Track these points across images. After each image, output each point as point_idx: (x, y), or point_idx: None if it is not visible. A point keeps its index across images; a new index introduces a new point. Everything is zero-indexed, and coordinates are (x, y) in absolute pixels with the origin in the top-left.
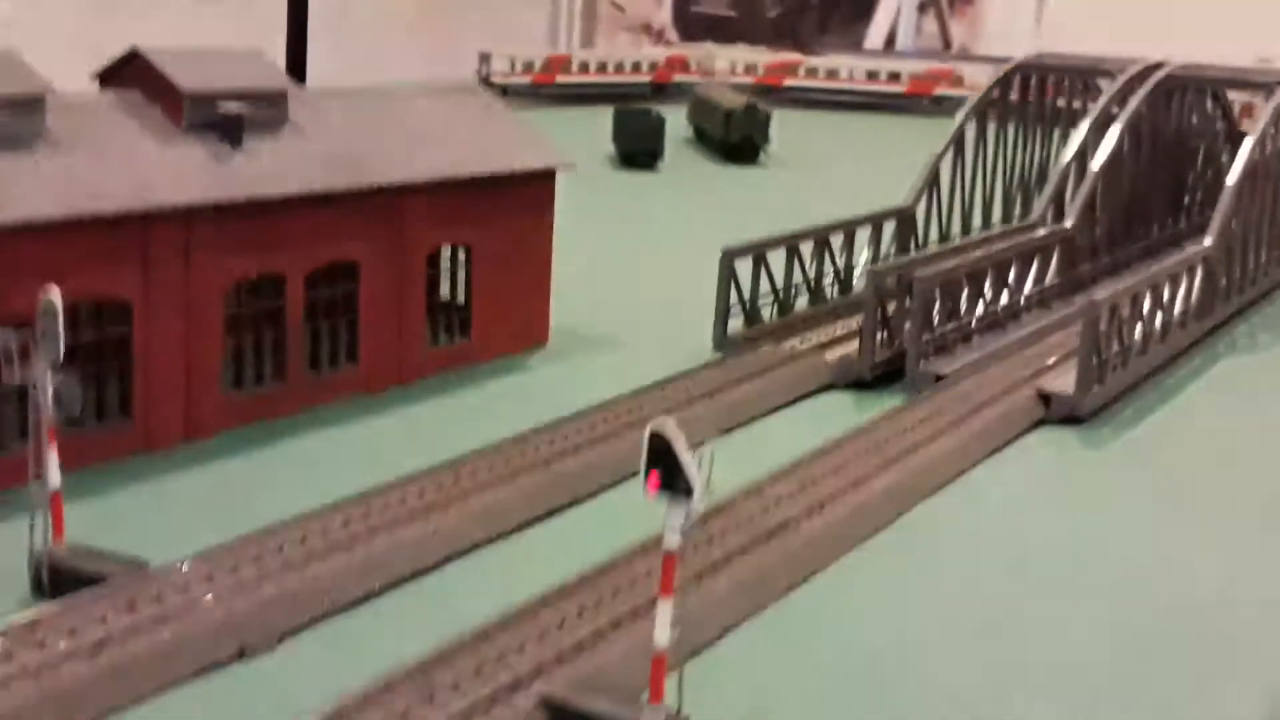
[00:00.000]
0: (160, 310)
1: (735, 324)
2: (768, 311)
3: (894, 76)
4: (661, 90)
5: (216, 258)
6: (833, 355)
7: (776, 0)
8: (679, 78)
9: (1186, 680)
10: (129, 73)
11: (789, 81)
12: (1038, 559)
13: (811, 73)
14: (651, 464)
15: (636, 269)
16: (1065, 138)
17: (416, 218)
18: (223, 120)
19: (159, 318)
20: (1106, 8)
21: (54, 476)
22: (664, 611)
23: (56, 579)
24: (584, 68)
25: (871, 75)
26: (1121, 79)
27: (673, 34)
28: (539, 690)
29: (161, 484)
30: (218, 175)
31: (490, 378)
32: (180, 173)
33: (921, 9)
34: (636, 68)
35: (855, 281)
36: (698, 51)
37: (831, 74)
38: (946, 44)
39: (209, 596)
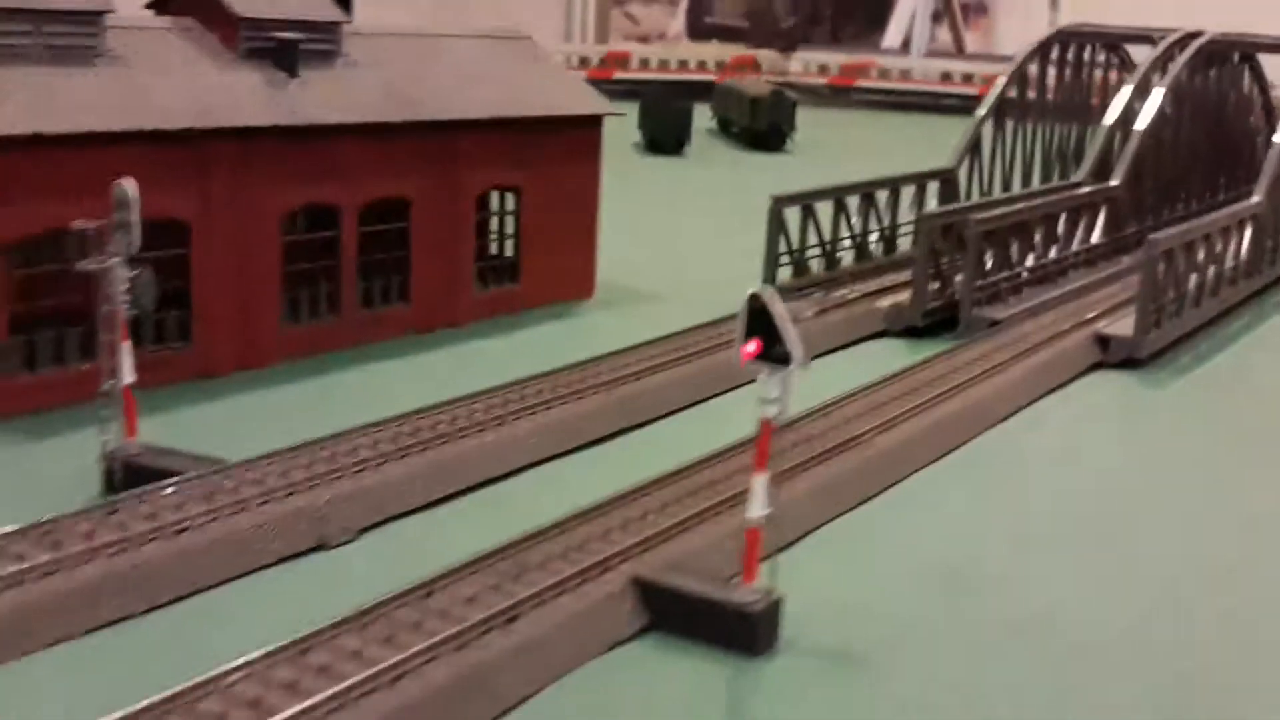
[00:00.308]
0: (217, 233)
1: (783, 275)
2: (814, 265)
3: (967, 78)
4: None
5: (273, 183)
6: (884, 303)
7: (789, 10)
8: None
9: (1242, 589)
10: (183, 1)
11: (861, 82)
12: (1103, 481)
13: (884, 74)
14: (749, 330)
15: (672, 240)
16: (1103, 106)
17: (468, 157)
18: (278, 47)
19: (216, 241)
20: (1118, 16)
21: (127, 371)
22: (759, 485)
23: (130, 475)
24: (644, 64)
25: (945, 76)
26: (1163, 45)
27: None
28: (627, 571)
29: (224, 402)
30: (274, 100)
31: (539, 322)
32: (237, 96)
33: (935, 18)
34: (702, 66)
35: (899, 241)
36: (768, 51)
37: (904, 74)
38: (960, 52)
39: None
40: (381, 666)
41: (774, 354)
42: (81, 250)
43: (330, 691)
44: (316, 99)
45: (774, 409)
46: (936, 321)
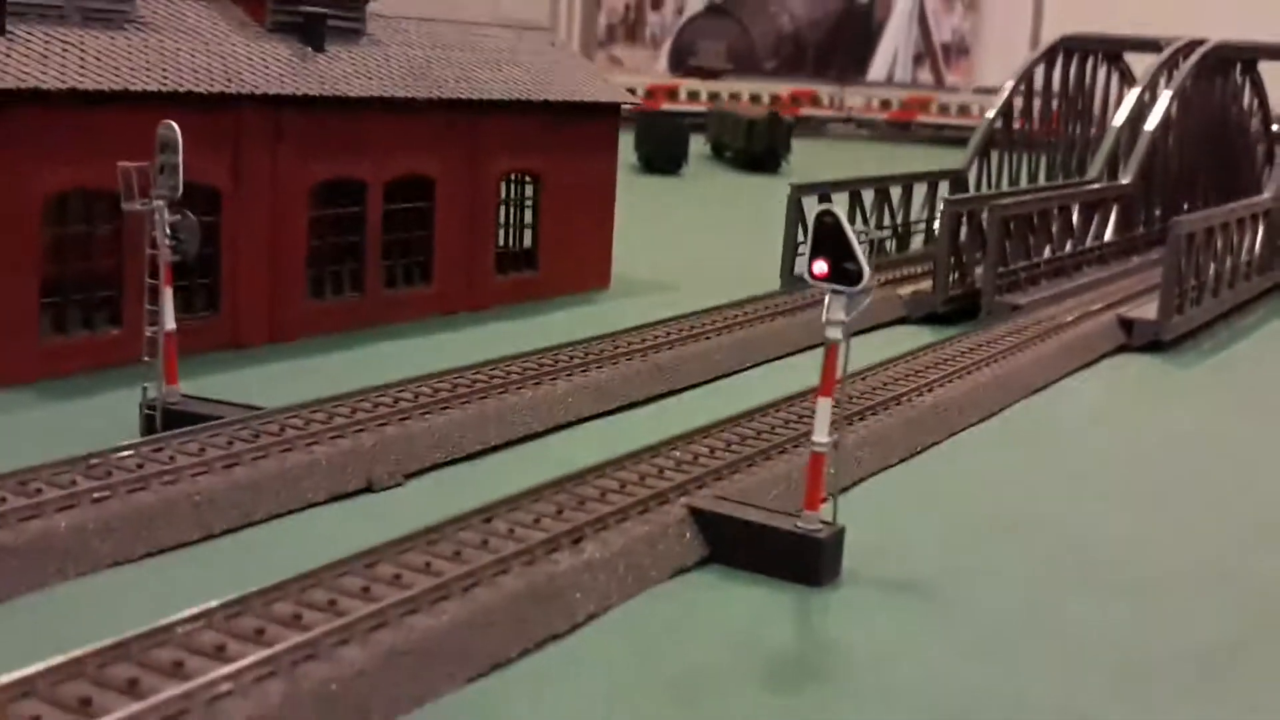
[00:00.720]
0: (248, 202)
1: (800, 266)
2: None
3: None
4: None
5: (302, 154)
6: (904, 290)
7: (772, 53)
8: (808, 111)
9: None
10: None
11: (921, 118)
12: (1142, 443)
13: (944, 109)
14: (817, 249)
15: (679, 245)
16: (1105, 112)
17: (490, 139)
18: (305, 21)
19: (247, 210)
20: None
21: (169, 317)
22: (823, 411)
23: (170, 422)
24: (694, 96)
25: None
26: (1168, 50)
27: None
28: (686, 502)
29: (255, 368)
30: (302, 72)
31: (559, 308)
32: (266, 66)
33: (917, 60)
34: (755, 99)
35: (912, 239)
36: (828, 86)
37: (963, 110)
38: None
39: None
40: (453, 575)
41: (843, 272)
42: (127, 189)
43: (402, 596)
44: (344, 72)
45: (838, 332)
46: (957, 310)
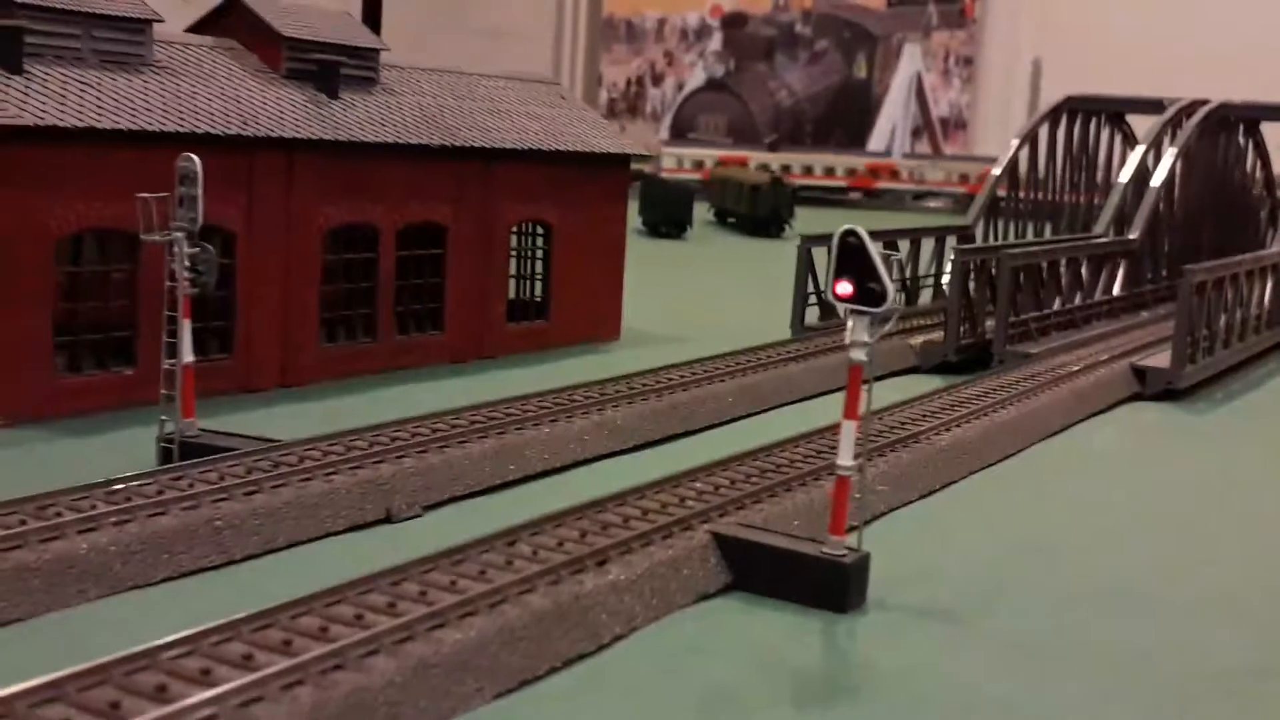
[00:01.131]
0: (262, 245)
1: (810, 318)
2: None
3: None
4: (871, 195)
5: (315, 198)
6: (915, 340)
7: (771, 128)
8: (886, 184)
9: None
10: (225, 22)
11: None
12: (1163, 482)
13: (1041, 184)
14: (841, 268)
15: (686, 302)
16: (1109, 172)
17: (502, 187)
18: (319, 69)
19: (261, 252)
20: None
21: (187, 350)
22: (848, 434)
23: (188, 455)
24: (764, 168)
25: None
26: (1172, 109)
27: None
28: (709, 528)
29: (269, 409)
30: (317, 117)
31: (569, 357)
32: (281, 110)
33: (915, 134)
34: (830, 172)
35: (921, 293)
36: (910, 161)
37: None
38: None
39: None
40: (479, 591)
41: (866, 294)
42: (147, 220)
43: (428, 610)
44: (358, 119)
45: (864, 353)
46: (968, 360)
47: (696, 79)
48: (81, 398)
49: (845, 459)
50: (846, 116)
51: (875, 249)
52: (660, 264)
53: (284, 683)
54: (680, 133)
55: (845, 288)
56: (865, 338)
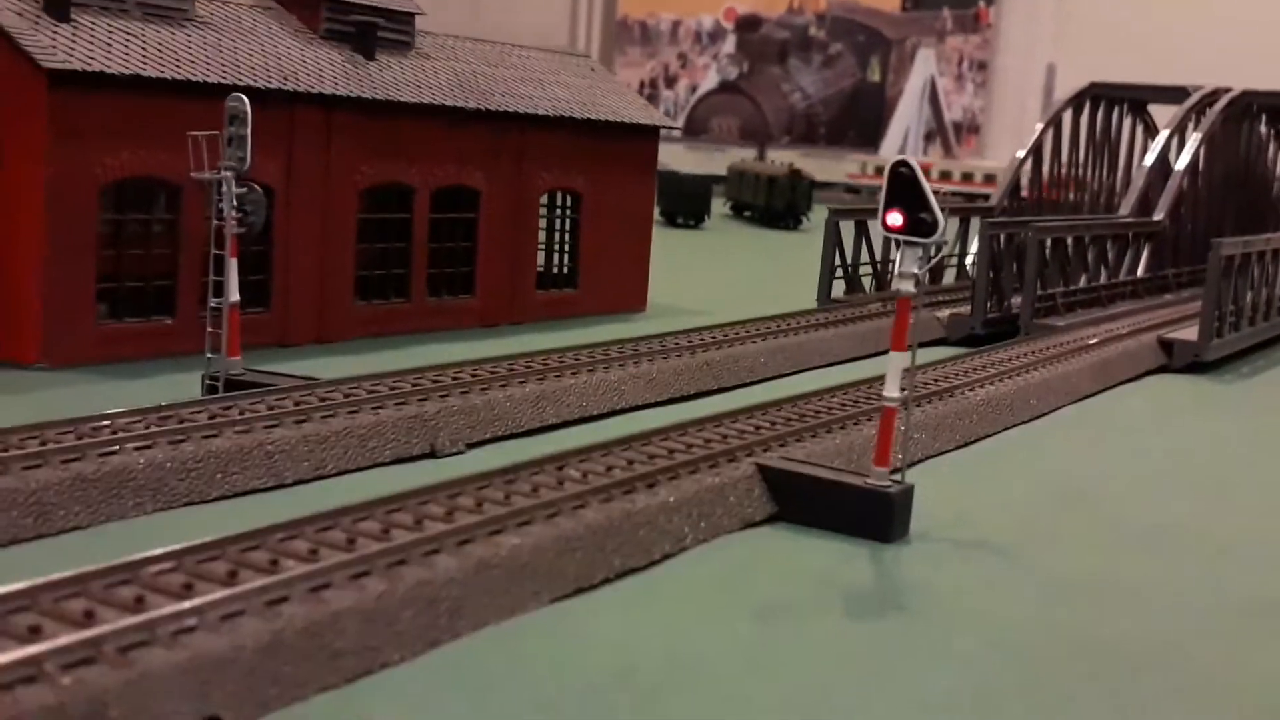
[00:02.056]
0: (301, 201)
1: (837, 290)
2: (866, 282)
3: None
4: None
5: (353, 156)
6: (942, 313)
7: (784, 130)
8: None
9: None
10: None
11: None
12: (1194, 441)
13: (1080, 185)
14: (891, 200)
15: (707, 282)
16: (1130, 159)
17: (534, 154)
18: (357, 30)
19: (300, 208)
20: None
21: (233, 289)
22: (895, 365)
23: (232, 389)
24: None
25: None
26: (1196, 96)
27: None
28: (753, 461)
29: (308, 361)
30: (354, 76)
31: (599, 324)
32: (320, 68)
33: (928, 138)
34: (879, 172)
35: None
36: (960, 161)
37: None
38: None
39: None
40: (533, 502)
41: (917, 223)
42: (197, 157)
43: (484, 516)
44: (394, 79)
45: (911, 285)
46: (994, 334)
47: (710, 81)
48: (122, 344)
49: (892, 390)
50: (859, 120)
51: (926, 182)
52: (681, 250)
53: (351, 573)
54: (693, 135)
55: (896, 218)
56: (915, 269)
